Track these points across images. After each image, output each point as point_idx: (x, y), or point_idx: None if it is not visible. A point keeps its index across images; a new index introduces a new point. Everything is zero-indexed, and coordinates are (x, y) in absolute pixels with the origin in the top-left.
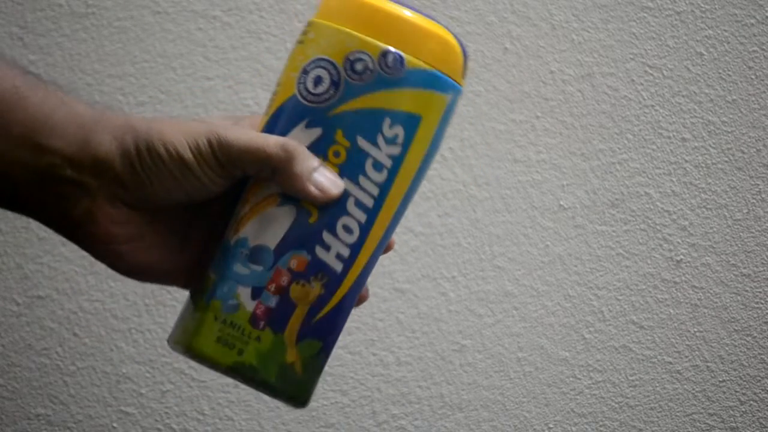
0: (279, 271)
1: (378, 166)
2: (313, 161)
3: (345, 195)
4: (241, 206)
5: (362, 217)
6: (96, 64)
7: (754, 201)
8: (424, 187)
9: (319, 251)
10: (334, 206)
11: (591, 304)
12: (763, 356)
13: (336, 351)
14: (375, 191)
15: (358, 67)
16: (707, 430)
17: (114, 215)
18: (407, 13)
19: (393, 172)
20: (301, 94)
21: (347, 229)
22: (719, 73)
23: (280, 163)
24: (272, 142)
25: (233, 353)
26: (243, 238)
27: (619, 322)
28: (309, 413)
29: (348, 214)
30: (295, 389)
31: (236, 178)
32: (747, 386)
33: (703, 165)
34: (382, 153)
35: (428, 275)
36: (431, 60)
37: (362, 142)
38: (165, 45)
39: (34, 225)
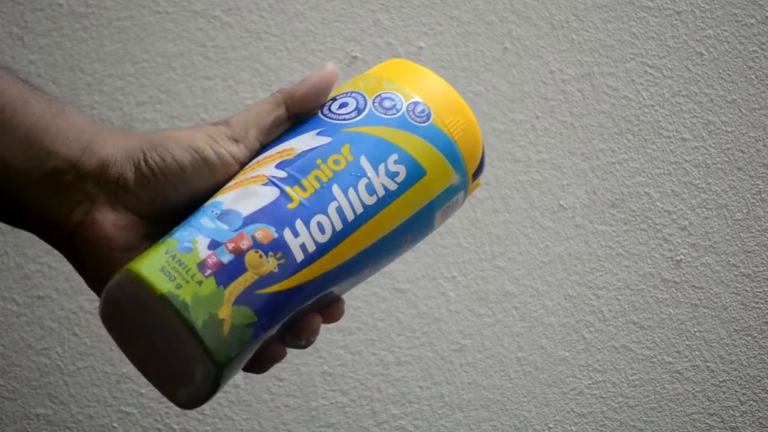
0: (242, 235)
1: (370, 188)
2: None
3: (330, 197)
4: (226, 185)
5: (338, 224)
6: (96, 64)
7: (754, 201)
8: None
9: (287, 234)
10: (317, 202)
11: (591, 304)
12: (763, 356)
13: (335, 350)
14: (359, 209)
15: (387, 103)
16: (707, 430)
17: (114, 219)
18: (450, 88)
19: (381, 204)
20: (322, 112)
21: (320, 228)
22: (719, 73)
23: (290, 90)
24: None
25: (171, 284)
26: (218, 201)
27: (619, 322)
28: (309, 413)
29: (326, 214)
30: (215, 344)
31: (250, 149)
32: (747, 386)
33: (703, 165)
34: (379, 180)
35: (428, 275)
36: (455, 132)
37: (364, 162)
38: (165, 45)
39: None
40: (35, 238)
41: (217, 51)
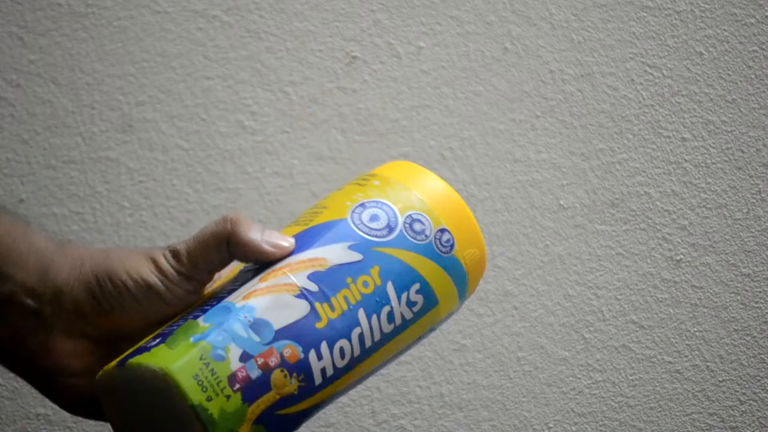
0: (272, 351)
1: (391, 318)
2: (259, 225)
3: (355, 322)
4: (254, 282)
5: (357, 350)
6: (96, 64)
7: (754, 201)
8: None
9: (312, 356)
10: (344, 325)
11: (591, 304)
12: (763, 356)
13: None
14: (377, 337)
15: (417, 227)
16: (707, 430)
17: (70, 347)
18: (471, 215)
19: (396, 332)
20: (353, 221)
21: (342, 353)
22: (719, 72)
23: (229, 234)
24: (213, 224)
25: (203, 395)
26: (251, 307)
27: (619, 322)
28: None
29: (349, 339)
30: None
31: (202, 284)
32: (747, 386)
33: (703, 165)
34: (399, 309)
35: None
36: (469, 264)
37: (390, 289)
38: (165, 45)
39: (34, 225)
40: None
41: (217, 51)
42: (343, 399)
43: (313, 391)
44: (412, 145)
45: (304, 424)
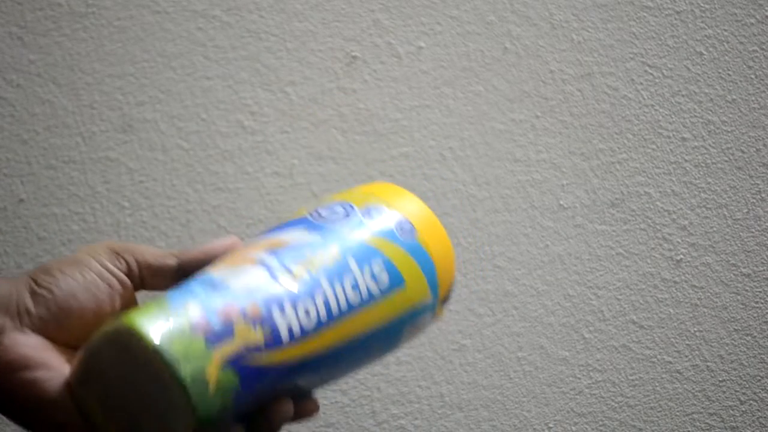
0: (232, 306)
1: (356, 286)
2: None
3: (318, 288)
4: (216, 263)
5: (323, 314)
6: (96, 64)
7: (754, 201)
8: (424, 186)
9: (275, 310)
10: (305, 290)
11: (591, 304)
12: (763, 356)
13: None
14: (343, 304)
15: (374, 214)
16: (707, 430)
17: (24, 340)
18: (435, 218)
19: (363, 303)
20: (312, 216)
21: (306, 313)
22: (719, 72)
23: (177, 252)
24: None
25: (163, 338)
26: (210, 275)
27: (619, 322)
28: None
29: (314, 302)
30: (201, 400)
31: (131, 269)
32: (747, 386)
33: (703, 165)
34: (363, 280)
35: None
36: (435, 255)
37: (351, 262)
38: (165, 44)
39: (34, 225)
40: (35, 238)
41: (217, 51)
42: (343, 399)
43: (281, 343)
44: (412, 145)
45: (303, 425)
